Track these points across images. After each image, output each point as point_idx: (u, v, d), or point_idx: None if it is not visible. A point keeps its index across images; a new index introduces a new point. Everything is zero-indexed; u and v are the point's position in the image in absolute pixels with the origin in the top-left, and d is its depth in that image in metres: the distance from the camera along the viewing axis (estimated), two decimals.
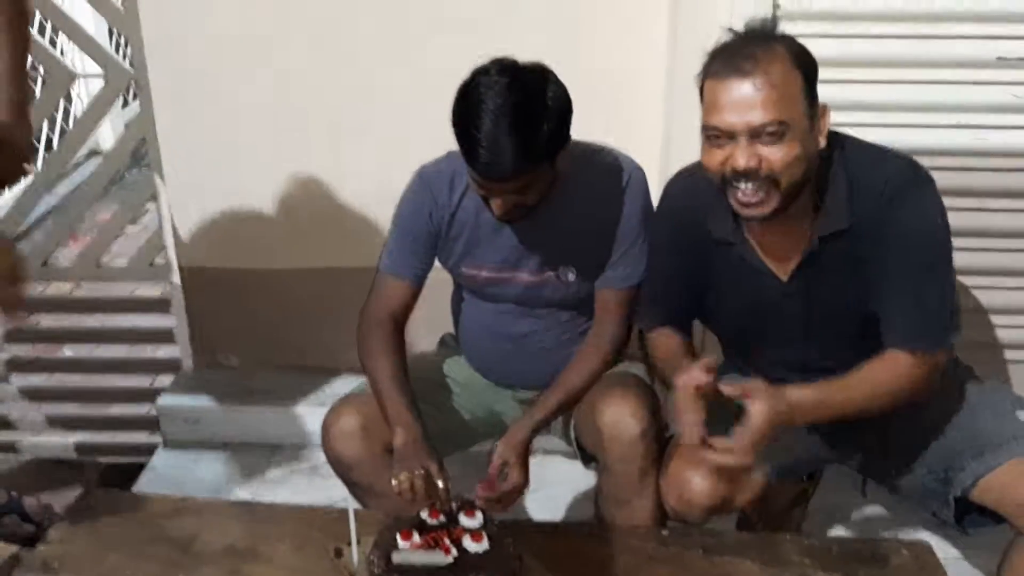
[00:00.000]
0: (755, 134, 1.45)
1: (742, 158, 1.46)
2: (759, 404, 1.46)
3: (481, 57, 1.62)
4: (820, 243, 1.56)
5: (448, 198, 1.78)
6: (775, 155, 1.45)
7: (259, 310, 2.52)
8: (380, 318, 1.81)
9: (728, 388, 1.50)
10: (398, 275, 1.82)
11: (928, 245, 1.55)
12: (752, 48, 1.45)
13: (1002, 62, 2.03)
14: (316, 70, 2.24)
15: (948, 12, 2.00)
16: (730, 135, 1.47)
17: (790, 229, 1.58)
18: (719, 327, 1.82)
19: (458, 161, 1.68)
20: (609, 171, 1.77)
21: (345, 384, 1.93)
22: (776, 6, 2.01)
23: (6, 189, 1.87)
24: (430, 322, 2.16)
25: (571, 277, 1.80)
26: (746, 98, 1.44)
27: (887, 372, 1.55)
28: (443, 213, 1.79)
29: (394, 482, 1.59)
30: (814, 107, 1.49)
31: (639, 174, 1.79)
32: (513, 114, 1.53)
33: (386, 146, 2.24)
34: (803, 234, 1.58)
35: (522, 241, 1.76)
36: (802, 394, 1.53)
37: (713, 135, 1.49)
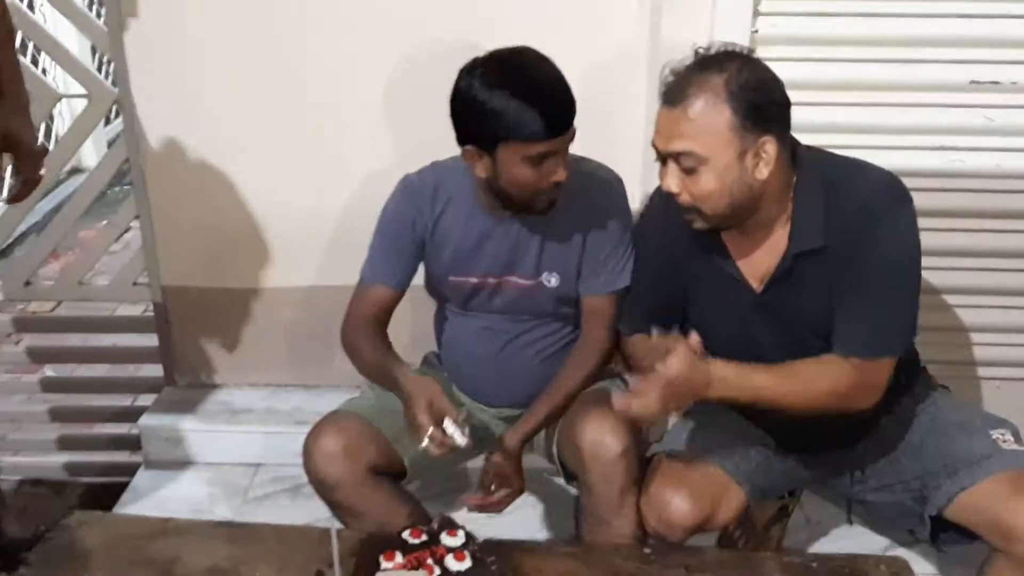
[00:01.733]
0: (676, 161, 1.51)
1: (666, 181, 1.54)
2: (676, 359, 1.47)
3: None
4: (795, 259, 1.58)
5: (431, 208, 1.80)
6: (692, 186, 1.52)
7: (241, 329, 2.52)
8: (362, 319, 1.83)
9: (657, 337, 1.51)
10: (379, 282, 1.84)
11: (898, 263, 1.56)
12: (690, 77, 1.49)
13: (975, 86, 2.07)
14: (298, 91, 2.26)
15: (922, 37, 2.05)
16: (663, 158, 1.54)
17: (765, 239, 1.61)
18: (702, 340, 1.83)
19: (442, 172, 1.75)
20: (592, 178, 1.81)
21: (327, 402, 1.92)
22: (754, 31, 2.04)
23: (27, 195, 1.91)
24: (413, 341, 2.19)
25: (554, 282, 1.82)
26: (667, 126, 1.51)
27: (821, 370, 1.56)
28: (426, 222, 1.81)
29: (425, 440, 1.59)
30: (751, 139, 1.49)
31: (620, 182, 1.84)
32: (545, 65, 1.62)
33: (367, 166, 2.25)
34: (780, 245, 1.60)
35: (510, 247, 1.79)
36: (727, 368, 1.53)
37: (656, 154, 1.56)
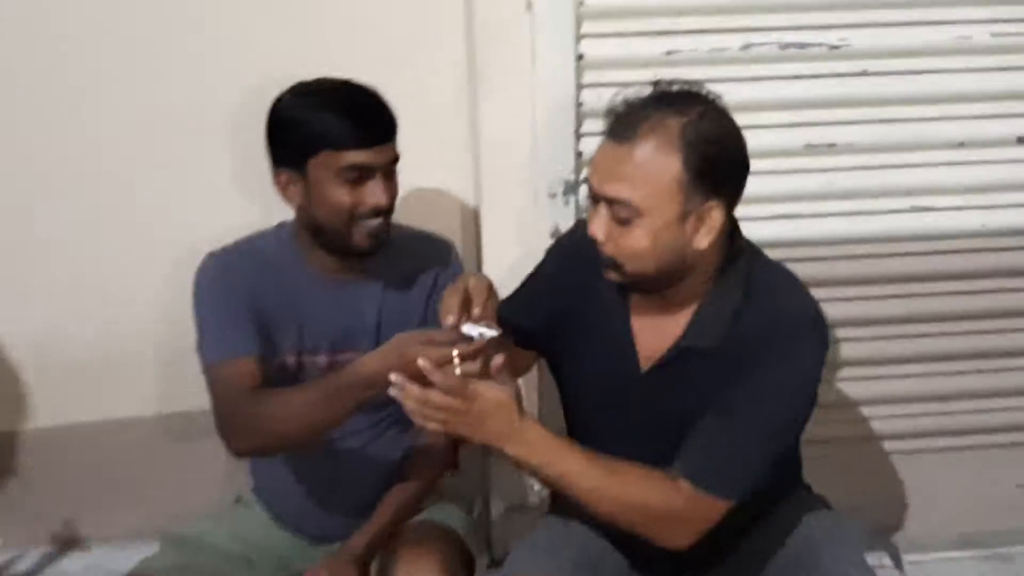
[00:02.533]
0: (609, 207, 1.34)
1: (593, 224, 1.37)
2: (496, 388, 1.31)
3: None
4: (682, 352, 1.43)
5: (248, 277, 1.60)
6: (620, 238, 1.35)
7: (22, 478, 2.20)
8: (246, 390, 1.52)
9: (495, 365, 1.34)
10: (237, 354, 1.55)
11: (781, 400, 1.39)
12: (644, 113, 1.32)
13: (810, 149, 2.01)
14: (55, 205, 2.01)
15: (753, 101, 1.96)
16: (595, 198, 1.36)
17: (669, 317, 1.44)
18: (569, 402, 1.65)
19: (252, 241, 1.65)
20: (424, 238, 1.77)
21: (126, 559, 1.65)
22: (580, 103, 1.93)
23: None
24: (228, 477, 1.97)
25: None
26: (607, 165, 1.34)
27: (644, 482, 1.37)
28: (249, 294, 1.58)
29: (459, 368, 1.33)
30: (698, 200, 1.32)
31: (452, 245, 1.78)
32: (363, 86, 1.56)
33: (138, 287, 2.03)
34: (677, 331, 1.44)
35: (344, 313, 1.64)
36: (540, 433, 1.34)
37: (589, 192, 1.39)
